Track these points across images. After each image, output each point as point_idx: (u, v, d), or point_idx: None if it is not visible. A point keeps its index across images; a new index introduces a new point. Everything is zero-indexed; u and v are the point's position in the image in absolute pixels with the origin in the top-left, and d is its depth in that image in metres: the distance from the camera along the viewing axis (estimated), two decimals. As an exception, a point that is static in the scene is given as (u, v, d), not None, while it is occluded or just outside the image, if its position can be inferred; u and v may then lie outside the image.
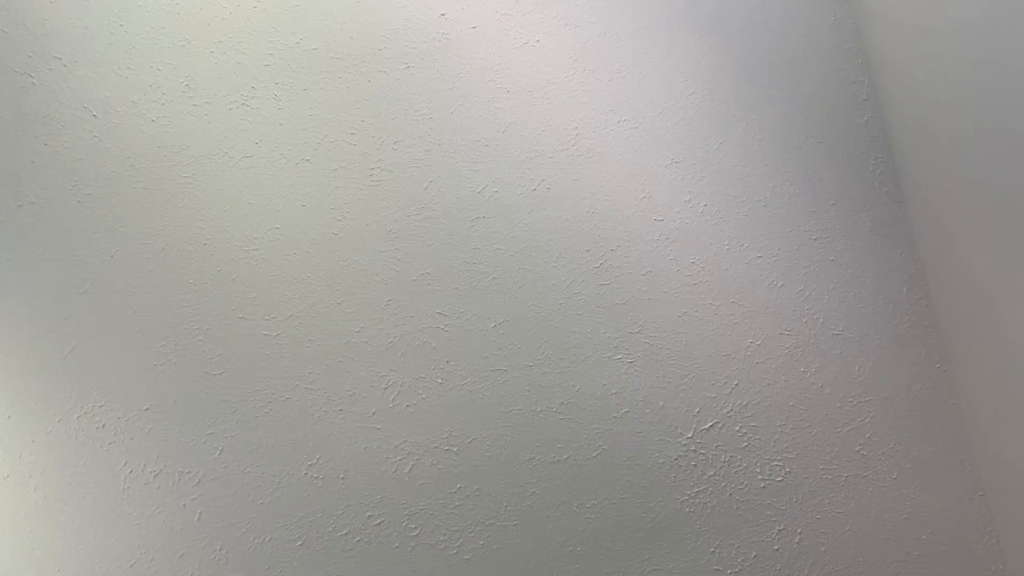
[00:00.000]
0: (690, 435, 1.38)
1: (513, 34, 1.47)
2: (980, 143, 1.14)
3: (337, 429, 1.38)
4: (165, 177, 1.44)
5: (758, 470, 1.37)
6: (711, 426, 1.38)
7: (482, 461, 1.37)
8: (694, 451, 1.37)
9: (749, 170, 1.44)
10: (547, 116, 1.45)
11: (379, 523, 1.36)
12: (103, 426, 1.39)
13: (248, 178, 1.44)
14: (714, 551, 1.35)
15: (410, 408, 1.39)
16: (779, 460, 1.37)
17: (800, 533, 1.36)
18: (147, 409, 1.39)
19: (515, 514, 1.36)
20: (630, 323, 1.40)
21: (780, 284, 1.41)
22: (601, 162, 1.44)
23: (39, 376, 1.40)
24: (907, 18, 1.27)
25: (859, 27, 1.45)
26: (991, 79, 1.08)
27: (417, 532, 1.36)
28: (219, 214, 1.44)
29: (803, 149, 1.44)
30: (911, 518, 1.35)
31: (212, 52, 1.47)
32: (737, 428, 1.38)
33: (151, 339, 1.41)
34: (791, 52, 1.46)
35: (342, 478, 1.37)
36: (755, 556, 1.35)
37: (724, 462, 1.37)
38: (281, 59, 1.47)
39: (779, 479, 1.37)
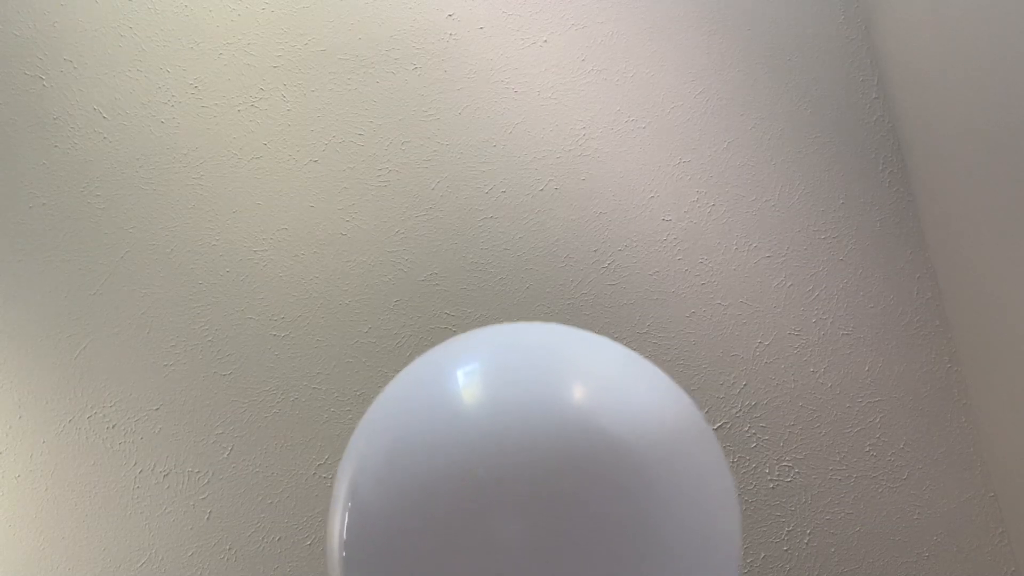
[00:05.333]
0: (698, 435, 1.37)
1: (521, 34, 1.47)
2: (990, 141, 1.13)
3: (346, 429, 1.38)
4: (174, 178, 1.45)
5: (767, 471, 1.36)
6: (720, 426, 1.37)
7: (490, 461, 1.37)
8: (703, 451, 1.37)
9: (757, 169, 1.43)
10: (555, 116, 1.45)
11: (387, 523, 1.36)
12: (113, 426, 1.39)
13: (256, 179, 1.45)
14: (723, 552, 1.35)
15: (418, 408, 1.39)
16: (788, 460, 1.37)
17: (809, 534, 1.35)
18: (157, 409, 1.40)
19: (523, 514, 1.36)
20: (638, 323, 1.40)
21: (789, 284, 1.41)
22: (609, 162, 1.44)
23: (50, 376, 1.41)
24: (917, 16, 1.27)
25: (868, 25, 1.44)
26: (1002, 78, 1.07)
27: (425, 532, 1.36)
28: (228, 215, 1.44)
29: (812, 148, 1.43)
30: (921, 519, 1.35)
31: (221, 54, 1.48)
32: (746, 428, 1.37)
33: (161, 339, 1.41)
34: (800, 51, 1.45)
35: (350, 478, 1.37)
36: (764, 557, 1.35)
37: (733, 462, 1.37)
38: (289, 61, 1.47)
39: (788, 479, 1.36)
